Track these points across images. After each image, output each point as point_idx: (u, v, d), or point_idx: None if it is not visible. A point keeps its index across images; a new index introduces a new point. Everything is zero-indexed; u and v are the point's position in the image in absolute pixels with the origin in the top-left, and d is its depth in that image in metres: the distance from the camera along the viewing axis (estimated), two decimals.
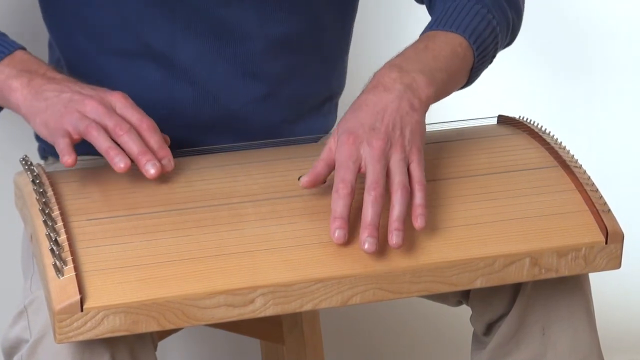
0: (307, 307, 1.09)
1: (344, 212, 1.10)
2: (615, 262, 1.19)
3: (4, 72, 1.21)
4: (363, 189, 1.11)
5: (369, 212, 1.10)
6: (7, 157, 1.69)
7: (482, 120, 1.34)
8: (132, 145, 1.14)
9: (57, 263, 1.04)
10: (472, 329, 1.33)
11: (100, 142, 1.14)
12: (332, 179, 1.13)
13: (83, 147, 1.20)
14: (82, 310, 1.03)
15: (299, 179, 1.17)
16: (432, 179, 1.20)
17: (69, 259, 1.05)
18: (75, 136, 1.15)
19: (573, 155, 1.25)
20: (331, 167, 1.14)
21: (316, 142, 1.32)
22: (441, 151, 1.25)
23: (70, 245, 1.07)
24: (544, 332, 1.24)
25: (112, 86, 1.21)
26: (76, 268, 1.05)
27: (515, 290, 1.25)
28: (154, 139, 1.17)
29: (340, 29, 1.43)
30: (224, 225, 1.12)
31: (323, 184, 1.16)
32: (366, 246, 1.09)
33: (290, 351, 1.59)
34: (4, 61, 1.22)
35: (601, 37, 2.12)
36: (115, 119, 1.15)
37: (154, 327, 1.05)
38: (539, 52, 2.11)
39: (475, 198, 1.19)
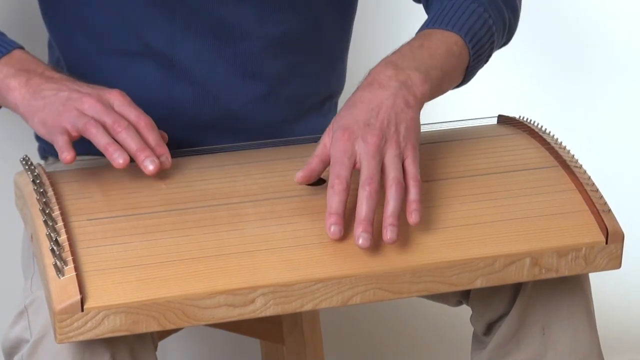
0: (308, 307, 1.09)
1: (339, 208, 1.10)
2: (615, 262, 1.19)
3: (2, 71, 1.21)
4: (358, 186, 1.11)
5: (363, 208, 1.10)
6: (7, 157, 1.69)
7: (482, 120, 1.34)
8: (131, 142, 1.14)
9: (58, 263, 1.04)
10: (472, 329, 1.33)
11: (99, 138, 1.14)
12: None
13: (83, 147, 1.20)
14: (82, 310, 1.03)
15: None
16: (433, 179, 1.20)
17: (70, 259, 1.05)
18: (74, 133, 1.15)
19: (573, 155, 1.25)
20: (326, 163, 1.14)
21: (316, 142, 1.32)
22: (441, 151, 1.25)
23: (71, 245, 1.07)
24: (544, 332, 1.24)
25: (112, 86, 1.21)
26: (76, 268, 1.05)
27: (516, 290, 1.25)
28: (152, 136, 1.17)
29: (340, 28, 1.43)
30: (223, 225, 1.12)
31: (324, 185, 1.16)
32: (360, 241, 1.09)
33: (290, 351, 1.59)
34: (2, 60, 1.22)
35: (601, 37, 2.12)
36: (113, 116, 1.15)
37: (154, 327, 1.05)
38: (539, 52, 2.11)
39: (476, 198, 1.19)
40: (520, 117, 1.33)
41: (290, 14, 1.35)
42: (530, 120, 1.31)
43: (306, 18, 1.36)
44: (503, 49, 1.40)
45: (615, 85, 2.15)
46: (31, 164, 1.17)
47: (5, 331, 1.19)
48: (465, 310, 1.34)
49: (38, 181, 1.14)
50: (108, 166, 1.16)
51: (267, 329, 1.60)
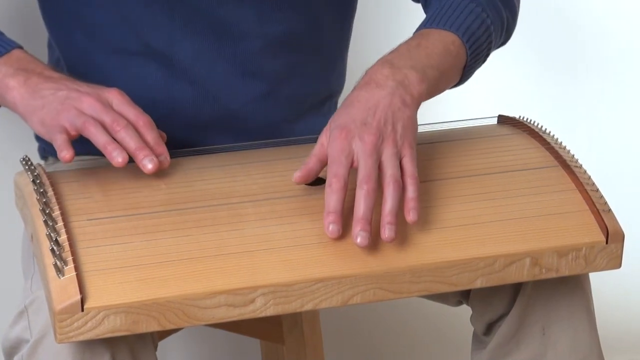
0: (308, 307, 1.09)
1: (337, 207, 1.10)
2: (615, 262, 1.19)
3: (0, 70, 1.21)
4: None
5: (361, 206, 1.10)
6: (7, 157, 1.69)
7: (482, 120, 1.34)
8: (130, 140, 1.15)
9: (58, 263, 1.04)
10: (472, 329, 1.33)
11: (98, 137, 1.14)
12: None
13: (83, 147, 1.20)
14: (82, 310, 1.03)
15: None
16: (433, 179, 1.20)
17: (70, 259, 1.05)
18: (73, 132, 1.15)
19: (573, 155, 1.25)
20: (323, 163, 1.14)
21: (316, 142, 1.32)
22: (441, 151, 1.25)
23: (71, 245, 1.07)
24: (544, 332, 1.24)
25: (112, 85, 1.21)
26: (77, 268, 1.05)
27: (516, 290, 1.25)
28: (151, 135, 1.17)
29: (340, 28, 1.44)
30: (223, 225, 1.12)
31: (323, 185, 1.16)
32: (359, 240, 1.09)
33: (290, 351, 1.59)
34: (1, 60, 1.22)
35: (602, 37, 2.12)
36: (112, 115, 1.16)
37: (154, 327, 1.05)
38: (539, 52, 2.11)
39: (476, 198, 1.19)
40: (520, 117, 1.33)
41: (290, 14, 1.35)
42: (531, 120, 1.31)
43: (306, 18, 1.36)
44: (504, 49, 1.40)
45: (615, 85, 2.15)
46: (31, 164, 1.17)
47: (5, 331, 1.19)
48: (465, 310, 1.34)
49: (38, 181, 1.14)
50: (108, 166, 1.16)
51: (267, 329, 1.60)
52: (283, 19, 1.34)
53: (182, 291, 1.05)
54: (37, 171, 1.16)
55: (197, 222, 1.12)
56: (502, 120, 1.34)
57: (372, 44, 1.84)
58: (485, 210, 1.17)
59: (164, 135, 1.20)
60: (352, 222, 1.10)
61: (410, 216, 1.11)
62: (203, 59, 1.33)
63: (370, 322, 2.05)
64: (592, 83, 2.14)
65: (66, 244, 1.06)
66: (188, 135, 1.34)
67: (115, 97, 1.18)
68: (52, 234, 1.07)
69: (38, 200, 1.11)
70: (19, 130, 1.61)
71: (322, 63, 1.42)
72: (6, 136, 1.73)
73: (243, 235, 1.11)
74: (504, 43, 1.37)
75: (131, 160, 1.15)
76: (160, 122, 1.21)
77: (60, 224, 1.09)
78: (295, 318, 1.57)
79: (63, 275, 1.04)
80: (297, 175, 1.14)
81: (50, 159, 1.44)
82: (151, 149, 1.16)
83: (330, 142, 1.13)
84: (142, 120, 1.17)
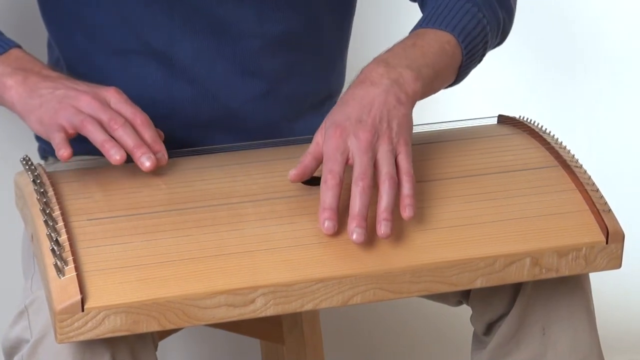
0: (308, 307, 1.09)
1: (332, 203, 1.10)
2: (615, 262, 1.19)
3: None
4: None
5: (356, 203, 1.10)
6: (7, 157, 1.69)
7: (482, 120, 1.34)
8: (127, 138, 1.15)
9: (58, 263, 1.04)
10: (472, 329, 1.33)
11: (96, 135, 1.14)
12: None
13: (82, 146, 1.20)
14: (83, 310, 1.03)
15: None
16: (432, 178, 1.20)
17: (70, 259, 1.05)
18: (71, 131, 1.15)
19: (573, 155, 1.25)
20: (319, 161, 1.14)
21: None
22: (441, 151, 1.25)
23: (71, 245, 1.07)
24: (544, 332, 1.24)
25: (112, 85, 1.21)
26: (77, 268, 1.05)
27: (516, 290, 1.25)
28: (148, 133, 1.17)
29: (339, 28, 1.44)
30: (223, 225, 1.12)
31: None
32: (354, 236, 1.09)
33: (290, 351, 1.59)
34: None
35: (602, 37, 2.12)
36: (110, 113, 1.16)
37: (154, 327, 1.05)
38: (539, 52, 2.11)
39: (476, 198, 1.19)
40: (520, 117, 1.33)
41: (290, 13, 1.35)
42: (531, 120, 1.31)
43: (305, 17, 1.37)
44: (503, 49, 1.40)
45: (613, 85, 2.15)
46: (31, 164, 1.17)
47: (5, 331, 1.19)
48: (465, 310, 1.34)
49: (38, 181, 1.14)
50: (108, 166, 1.16)
51: (267, 329, 1.60)
52: (282, 18, 1.34)
53: (182, 291, 1.05)
54: (37, 171, 1.16)
55: (197, 222, 1.12)
56: (502, 120, 1.34)
57: (372, 44, 1.84)
58: (485, 210, 1.17)
59: (162, 133, 1.20)
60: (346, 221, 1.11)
61: (406, 212, 1.12)
62: (203, 58, 1.33)
63: (370, 322, 2.05)
64: (590, 83, 2.15)
65: (66, 244, 1.06)
66: (188, 134, 1.34)
67: (112, 95, 1.18)
68: (52, 234, 1.07)
69: (38, 200, 1.11)
70: (19, 130, 1.61)
71: (321, 62, 1.42)
72: (6, 136, 1.73)
73: (243, 235, 1.11)
74: (500, 43, 1.37)
75: (130, 160, 1.15)
76: (160, 121, 1.21)
77: (60, 224, 1.09)
78: (295, 318, 1.57)
79: (63, 275, 1.04)
80: (292, 173, 1.14)
81: (51, 159, 1.44)
82: (149, 147, 1.16)
83: (326, 139, 1.13)
84: (139, 118, 1.17)
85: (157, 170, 1.17)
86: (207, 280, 1.07)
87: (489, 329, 1.29)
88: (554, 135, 1.28)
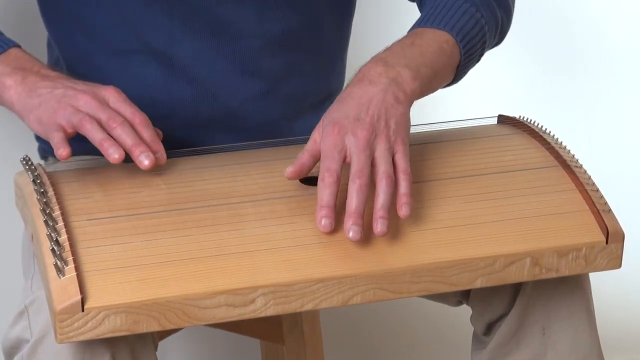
0: (308, 307, 1.09)
1: (330, 201, 1.10)
2: (615, 262, 1.19)
3: None
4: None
5: (353, 200, 1.10)
6: (7, 157, 1.69)
7: (482, 120, 1.34)
8: (126, 137, 1.15)
9: (58, 263, 1.04)
10: (472, 329, 1.33)
11: (94, 134, 1.14)
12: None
13: (81, 146, 1.20)
14: (83, 310, 1.03)
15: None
16: (432, 178, 1.20)
17: (70, 259, 1.05)
18: (69, 130, 1.15)
19: (574, 155, 1.25)
20: (316, 158, 1.15)
21: None
22: (441, 151, 1.25)
23: (71, 245, 1.07)
24: (544, 332, 1.24)
25: (111, 85, 1.21)
26: (77, 268, 1.05)
27: (516, 290, 1.25)
28: (147, 132, 1.17)
29: (339, 27, 1.44)
30: (223, 225, 1.12)
31: None
32: (351, 234, 1.09)
33: (290, 351, 1.59)
34: None
35: (602, 37, 2.12)
36: (108, 112, 1.16)
37: (154, 327, 1.05)
38: (539, 52, 2.11)
39: (476, 198, 1.19)
40: (520, 117, 1.33)
41: (289, 13, 1.35)
42: (531, 120, 1.31)
43: (305, 17, 1.37)
44: (502, 49, 1.40)
45: (613, 85, 2.15)
46: (31, 164, 1.17)
47: (5, 331, 1.19)
48: (465, 310, 1.34)
49: (38, 181, 1.14)
50: (108, 166, 1.16)
51: (267, 329, 1.60)
52: (282, 17, 1.34)
53: (182, 291, 1.05)
54: (37, 171, 1.16)
55: (197, 222, 1.12)
56: (502, 120, 1.34)
57: (372, 44, 1.84)
58: (485, 210, 1.17)
59: (160, 133, 1.20)
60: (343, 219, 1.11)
61: (403, 211, 1.12)
62: (202, 58, 1.33)
63: (370, 322, 2.05)
64: (590, 83, 2.15)
65: (66, 244, 1.06)
66: (188, 134, 1.34)
67: (111, 94, 1.18)
68: (52, 234, 1.07)
69: (38, 200, 1.11)
70: (19, 130, 1.61)
71: (321, 62, 1.42)
72: (6, 136, 1.73)
73: (243, 235, 1.11)
74: (498, 43, 1.37)
75: (130, 159, 1.15)
76: (160, 121, 1.21)
77: (60, 224, 1.09)
78: (295, 318, 1.57)
79: (63, 275, 1.04)
80: (289, 170, 1.14)
81: (50, 159, 1.44)
82: (148, 146, 1.16)
83: (323, 137, 1.13)
84: (138, 117, 1.17)
85: (157, 170, 1.17)
86: (207, 280, 1.07)
87: (489, 329, 1.29)
88: (554, 135, 1.28)
